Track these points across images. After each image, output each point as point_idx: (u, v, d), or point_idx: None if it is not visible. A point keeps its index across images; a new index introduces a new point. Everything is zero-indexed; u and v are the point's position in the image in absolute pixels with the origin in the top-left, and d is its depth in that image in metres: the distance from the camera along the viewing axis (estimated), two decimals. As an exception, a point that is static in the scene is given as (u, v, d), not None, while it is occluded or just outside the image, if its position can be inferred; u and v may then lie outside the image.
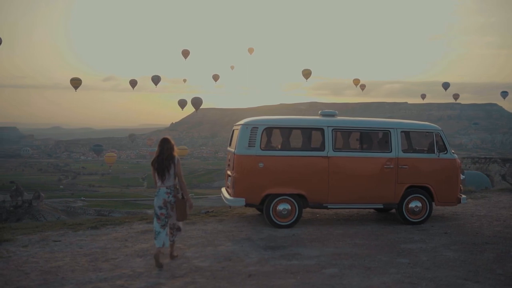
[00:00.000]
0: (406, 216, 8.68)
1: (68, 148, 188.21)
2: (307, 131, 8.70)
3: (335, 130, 8.58)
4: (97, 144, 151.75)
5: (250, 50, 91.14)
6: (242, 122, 8.68)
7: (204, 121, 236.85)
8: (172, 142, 6.34)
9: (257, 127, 8.36)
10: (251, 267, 6.06)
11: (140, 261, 6.23)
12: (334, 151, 8.45)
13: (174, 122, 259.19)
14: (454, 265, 6.21)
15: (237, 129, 8.67)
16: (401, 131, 8.75)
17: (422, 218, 8.72)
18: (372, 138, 9.02)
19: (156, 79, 77.95)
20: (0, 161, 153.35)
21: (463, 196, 9.05)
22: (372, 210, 9.97)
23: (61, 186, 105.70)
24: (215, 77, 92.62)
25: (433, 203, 8.81)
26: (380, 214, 9.75)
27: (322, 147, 8.46)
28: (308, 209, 9.20)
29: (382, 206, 8.73)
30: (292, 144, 8.73)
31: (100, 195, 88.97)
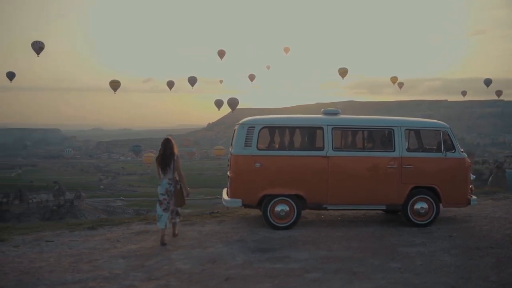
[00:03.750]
0: (411, 217, 8.31)
1: (108, 149, 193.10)
2: (306, 130, 8.45)
3: (335, 129, 8.31)
4: (136, 144, 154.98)
5: (286, 50, 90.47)
6: (240, 121, 8.54)
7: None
8: (173, 141, 7.51)
9: (254, 127, 8.19)
10: (232, 270, 5.91)
11: (122, 262, 6.18)
12: (334, 150, 8.18)
13: (210, 123, 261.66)
14: (448, 271, 5.87)
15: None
16: (405, 130, 8.39)
17: (429, 220, 8.32)
18: (375, 137, 8.68)
19: (192, 80, 78.60)
20: (44, 161, 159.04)
21: (474, 197, 8.59)
22: (379, 211, 9.61)
23: (102, 186, 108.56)
24: (251, 77, 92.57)
25: (441, 205, 8.41)
26: (387, 216, 9.38)
27: (321, 147, 8.20)
28: (314, 211, 8.96)
29: (384, 208, 8.41)
30: (290, 144, 8.49)
31: (139, 194, 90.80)
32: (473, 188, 8.80)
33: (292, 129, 8.46)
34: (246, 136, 8.13)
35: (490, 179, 23.30)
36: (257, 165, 8.06)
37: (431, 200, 8.31)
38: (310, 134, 8.41)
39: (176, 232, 7.55)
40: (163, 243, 7.03)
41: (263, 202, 8.09)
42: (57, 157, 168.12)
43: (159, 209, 7.22)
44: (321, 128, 8.23)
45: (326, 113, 8.71)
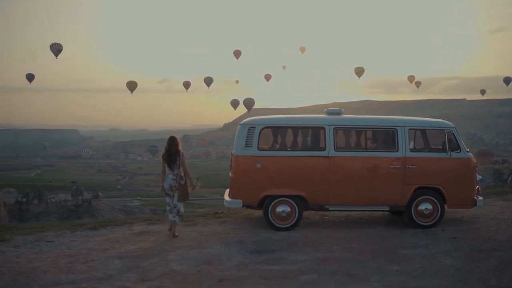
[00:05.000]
0: (415, 219, 8.17)
1: (125, 149, 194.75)
2: (307, 130, 8.38)
3: (337, 128, 8.20)
4: (153, 145, 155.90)
5: (302, 49, 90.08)
6: (241, 122, 8.50)
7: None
8: (178, 139, 7.82)
9: (255, 127, 8.14)
10: (227, 271, 5.86)
11: (118, 263, 6.19)
12: (336, 150, 8.08)
13: (227, 123, 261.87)
14: (447, 274, 5.74)
15: None
16: (409, 129, 8.25)
17: (433, 222, 8.17)
18: (377, 137, 8.57)
19: (208, 81, 78.79)
20: (63, 162, 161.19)
21: (480, 198, 8.40)
22: (385, 212, 9.47)
23: (119, 186, 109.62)
24: (267, 77, 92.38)
25: (445, 206, 8.25)
26: (392, 217, 9.20)
27: (323, 147, 8.11)
28: (317, 211, 8.86)
29: (387, 209, 8.29)
30: (291, 144, 8.43)
31: (156, 194, 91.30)
32: (479, 189, 8.61)
33: (293, 129, 8.40)
34: (247, 137, 8.08)
35: (509, 179, 22.77)
36: (258, 165, 8.00)
37: (436, 201, 8.16)
38: (311, 134, 8.34)
39: (176, 233, 7.65)
40: (171, 229, 7.71)
41: (264, 203, 8.04)
42: (75, 157, 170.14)
43: (169, 201, 7.71)
44: (323, 128, 8.15)
45: (329, 112, 8.63)
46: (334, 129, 8.12)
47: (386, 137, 8.39)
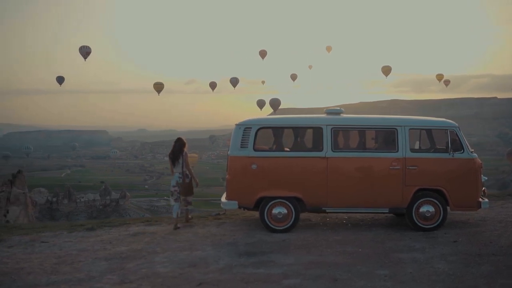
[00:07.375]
0: (416, 221, 7.91)
1: (153, 149, 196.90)
2: (304, 131, 8.24)
3: (335, 129, 8.02)
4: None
5: (328, 49, 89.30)
6: (237, 122, 8.40)
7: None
8: (183, 140, 8.74)
9: (251, 127, 8.03)
10: (210, 274, 5.77)
11: (103, 264, 6.17)
12: (334, 151, 7.90)
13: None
14: (436, 280, 5.50)
15: None
16: (410, 129, 8.00)
17: (435, 224, 7.89)
18: (377, 137, 8.34)
19: (234, 81, 78.98)
20: (92, 162, 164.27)
21: (485, 200, 8.08)
22: (389, 214, 9.21)
23: (146, 186, 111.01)
24: (293, 77, 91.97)
25: (448, 208, 7.97)
26: (396, 219, 8.96)
27: (320, 147, 7.94)
28: (320, 213, 8.69)
29: (387, 211, 8.05)
30: (288, 145, 8.29)
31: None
32: (485, 190, 8.29)
33: (290, 129, 8.26)
34: (243, 137, 7.98)
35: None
36: (254, 166, 7.90)
37: (438, 203, 7.89)
38: (308, 134, 8.20)
39: (190, 216, 8.94)
40: (176, 228, 8.23)
41: (260, 205, 7.92)
42: (103, 157, 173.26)
43: (171, 200, 8.53)
44: (320, 128, 7.98)
45: (329, 112, 8.46)
46: (331, 129, 7.95)
47: (386, 137, 8.15)
